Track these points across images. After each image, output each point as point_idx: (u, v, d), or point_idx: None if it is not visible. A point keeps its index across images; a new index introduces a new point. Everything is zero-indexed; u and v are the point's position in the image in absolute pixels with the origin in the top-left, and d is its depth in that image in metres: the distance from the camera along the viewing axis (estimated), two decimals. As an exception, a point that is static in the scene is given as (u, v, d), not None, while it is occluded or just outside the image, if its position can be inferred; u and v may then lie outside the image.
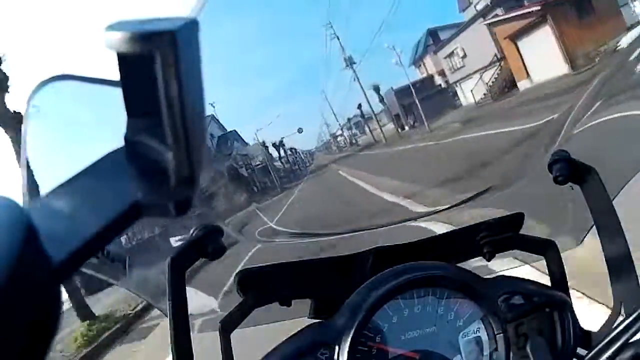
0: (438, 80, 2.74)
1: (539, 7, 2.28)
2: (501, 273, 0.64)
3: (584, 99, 0.68)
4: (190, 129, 0.18)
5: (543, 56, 2.32)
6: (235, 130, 1.54)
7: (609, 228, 0.56)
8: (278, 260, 0.61)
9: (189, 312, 0.52)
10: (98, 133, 0.55)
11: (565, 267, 0.60)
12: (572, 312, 0.58)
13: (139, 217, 0.19)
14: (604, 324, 0.56)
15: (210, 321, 0.58)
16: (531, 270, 0.76)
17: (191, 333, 0.52)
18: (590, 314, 1.64)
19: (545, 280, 0.61)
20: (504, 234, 0.62)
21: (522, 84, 2.37)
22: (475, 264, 0.65)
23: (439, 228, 0.86)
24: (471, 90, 2.63)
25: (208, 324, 0.59)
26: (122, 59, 0.18)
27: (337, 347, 0.51)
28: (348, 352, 0.51)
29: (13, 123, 6.37)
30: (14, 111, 6.49)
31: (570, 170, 0.54)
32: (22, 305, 0.15)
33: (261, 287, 0.59)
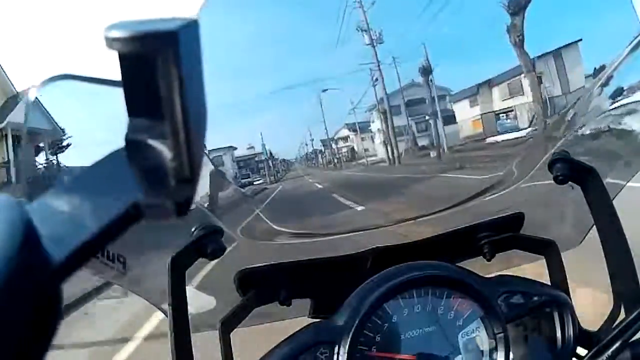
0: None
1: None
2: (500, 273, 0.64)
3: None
4: (191, 129, 0.18)
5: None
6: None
7: (609, 228, 0.56)
8: (278, 260, 0.61)
9: (189, 312, 0.52)
10: (99, 133, 0.55)
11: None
12: (572, 311, 0.58)
13: (139, 217, 0.19)
14: (603, 324, 0.56)
15: (210, 321, 0.58)
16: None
17: (191, 333, 0.53)
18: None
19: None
20: (504, 234, 0.62)
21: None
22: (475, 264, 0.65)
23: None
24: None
25: (208, 324, 0.59)
26: (124, 59, 0.18)
27: (337, 346, 0.51)
28: (348, 351, 0.51)
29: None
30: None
31: (570, 170, 0.54)
32: (22, 305, 0.15)
33: (261, 287, 0.59)
